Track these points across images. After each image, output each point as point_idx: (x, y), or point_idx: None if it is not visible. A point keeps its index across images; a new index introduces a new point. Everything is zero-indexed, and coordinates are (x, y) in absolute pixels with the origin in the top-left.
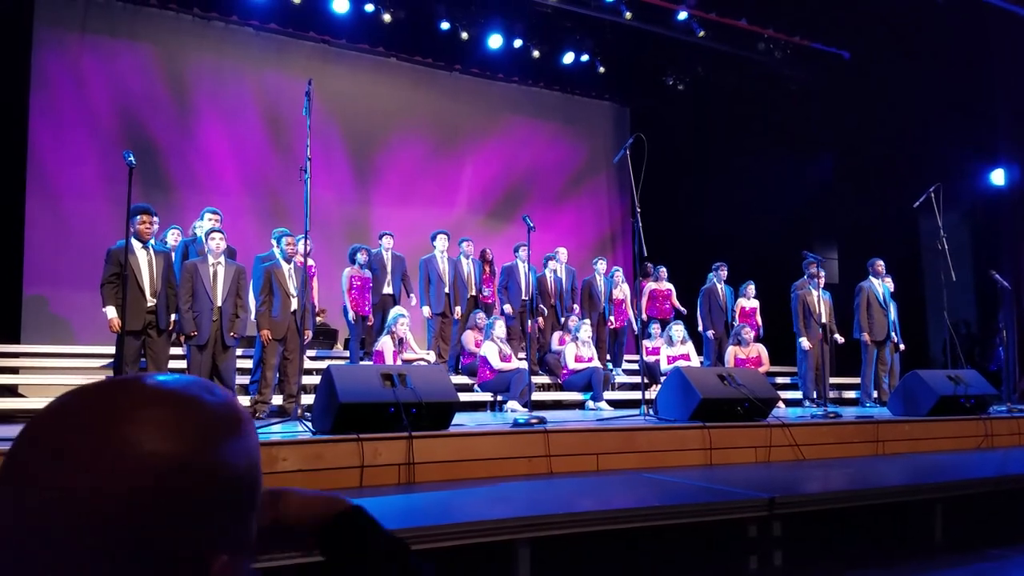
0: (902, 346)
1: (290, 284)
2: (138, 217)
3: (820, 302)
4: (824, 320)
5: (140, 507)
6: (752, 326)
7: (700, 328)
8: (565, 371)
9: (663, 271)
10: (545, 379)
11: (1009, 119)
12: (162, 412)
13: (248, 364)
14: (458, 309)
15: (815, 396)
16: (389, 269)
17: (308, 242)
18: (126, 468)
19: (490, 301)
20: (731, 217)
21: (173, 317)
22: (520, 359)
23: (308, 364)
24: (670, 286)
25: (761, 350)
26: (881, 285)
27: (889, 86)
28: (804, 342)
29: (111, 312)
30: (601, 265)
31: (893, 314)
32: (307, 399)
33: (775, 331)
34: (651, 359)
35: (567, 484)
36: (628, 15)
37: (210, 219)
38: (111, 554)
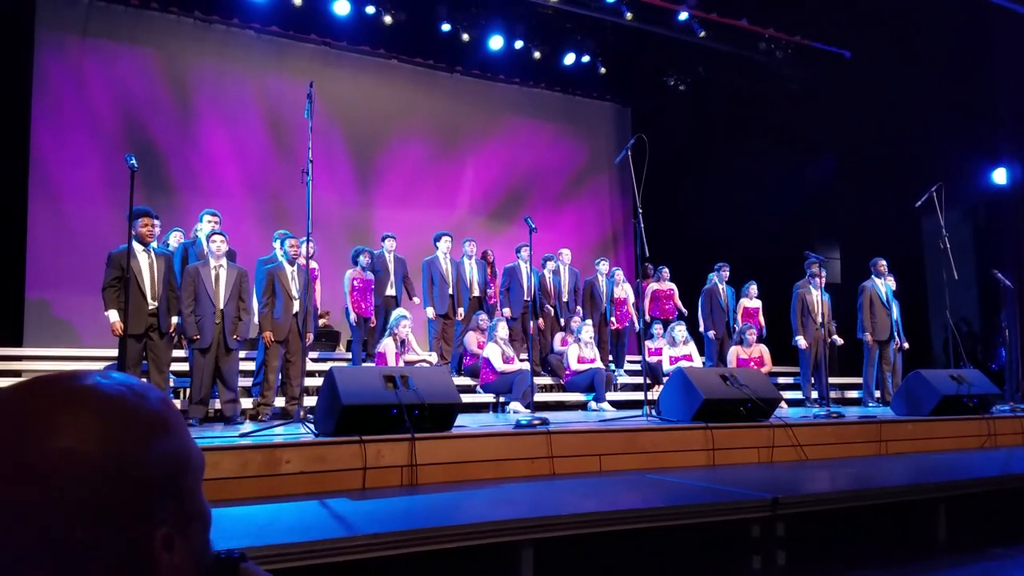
0: (905, 345)
1: (292, 286)
2: (139, 220)
3: (819, 302)
4: (822, 320)
5: (56, 506)
6: (755, 326)
7: (701, 329)
8: (567, 372)
9: (665, 271)
10: (547, 380)
11: (1010, 118)
12: (78, 412)
13: (250, 366)
14: (460, 310)
15: (814, 396)
16: (392, 271)
17: (311, 244)
18: (38, 470)
19: (494, 302)
20: (732, 217)
21: (175, 320)
22: (522, 360)
23: (310, 366)
24: (672, 286)
25: (763, 350)
26: (884, 284)
27: (889, 86)
28: (801, 340)
29: (113, 316)
30: (603, 266)
31: (896, 313)
32: (309, 401)
33: (777, 331)
34: (653, 360)
35: (570, 485)
36: (629, 16)
37: (209, 221)
38: (23, 554)
